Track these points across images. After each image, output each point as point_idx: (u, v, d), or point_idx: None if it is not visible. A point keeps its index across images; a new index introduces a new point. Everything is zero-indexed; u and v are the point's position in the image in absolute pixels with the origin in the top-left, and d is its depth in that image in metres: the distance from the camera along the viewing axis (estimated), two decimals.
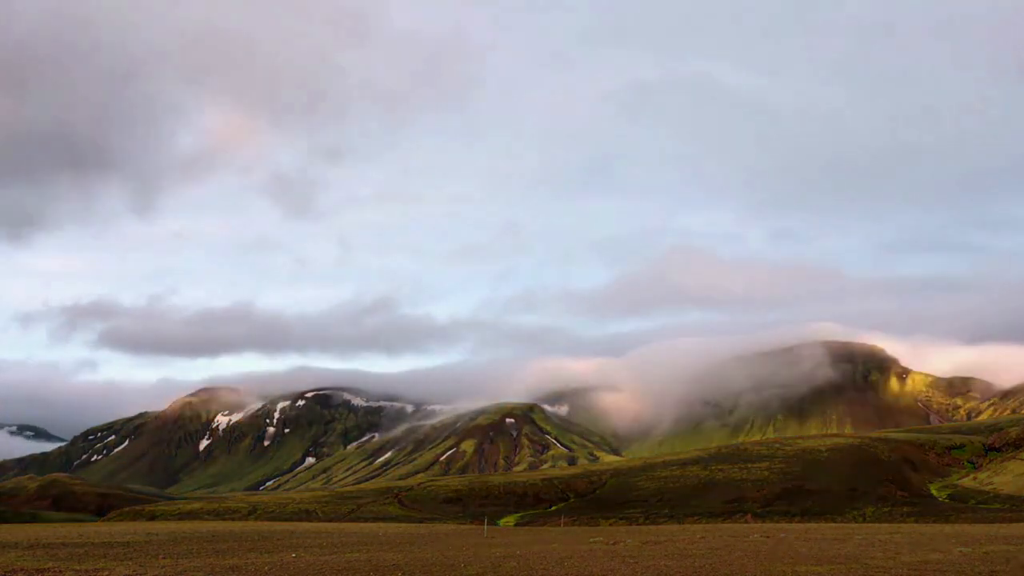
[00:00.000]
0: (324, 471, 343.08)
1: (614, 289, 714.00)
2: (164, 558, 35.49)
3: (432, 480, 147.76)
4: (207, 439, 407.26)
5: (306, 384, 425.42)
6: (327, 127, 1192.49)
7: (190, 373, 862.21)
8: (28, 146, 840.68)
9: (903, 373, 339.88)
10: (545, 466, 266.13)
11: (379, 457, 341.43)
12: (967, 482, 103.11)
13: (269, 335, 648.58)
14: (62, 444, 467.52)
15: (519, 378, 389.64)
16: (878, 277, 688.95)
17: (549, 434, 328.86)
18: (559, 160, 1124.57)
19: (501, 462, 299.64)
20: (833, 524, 75.49)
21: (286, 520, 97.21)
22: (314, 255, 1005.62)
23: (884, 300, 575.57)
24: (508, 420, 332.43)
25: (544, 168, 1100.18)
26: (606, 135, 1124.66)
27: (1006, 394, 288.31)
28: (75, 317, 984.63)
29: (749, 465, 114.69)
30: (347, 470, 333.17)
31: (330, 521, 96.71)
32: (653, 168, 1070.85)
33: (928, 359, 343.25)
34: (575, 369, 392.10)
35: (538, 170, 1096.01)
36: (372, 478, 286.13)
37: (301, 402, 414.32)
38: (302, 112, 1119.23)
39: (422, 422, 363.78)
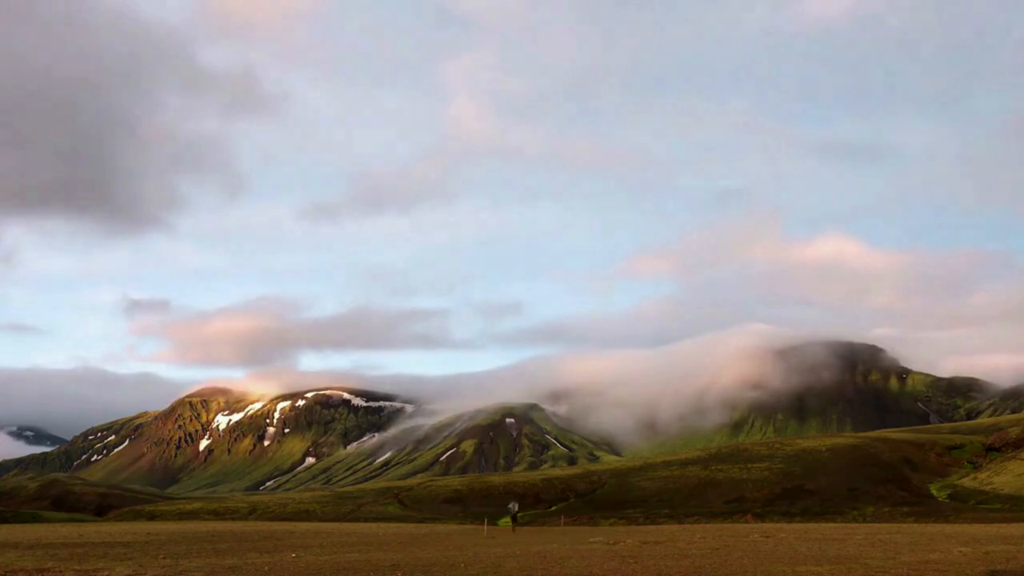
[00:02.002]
0: (324, 471, 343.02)
1: (618, 270, 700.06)
2: (164, 558, 35.49)
3: (432, 480, 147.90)
4: (207, 439, 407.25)
5: (306, 384, 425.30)
6: None
7: (190, 373, 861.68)
8: None
9: (903, 373, 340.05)
10: (545, 466, 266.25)
11: (379, 457, 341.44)
12: (967, 482, 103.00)
13: (270, 334, 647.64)
14: (62, 444, 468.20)
15: (519, 378, 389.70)
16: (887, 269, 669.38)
17: (549, 434, 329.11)
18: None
19: (501, 462, 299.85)
20: (833, 524, 75.48)
21: (286, 520, 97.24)
22: (313, 252, 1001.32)
23: (886, 298, 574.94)
24: (508, 420, 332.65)
25: None
26: None
27: (1006, 394, 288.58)
28: (75, 315, 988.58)
29: (749, 465, 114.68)
30: (347, 470, 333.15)
31: (330, 521, 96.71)
32: None
33: (929, 359, 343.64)
34: (575, 368, 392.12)
35: None
36: (372, 478, 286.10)
37: (301, 402, 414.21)
38: None
39: (422, 422, 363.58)
